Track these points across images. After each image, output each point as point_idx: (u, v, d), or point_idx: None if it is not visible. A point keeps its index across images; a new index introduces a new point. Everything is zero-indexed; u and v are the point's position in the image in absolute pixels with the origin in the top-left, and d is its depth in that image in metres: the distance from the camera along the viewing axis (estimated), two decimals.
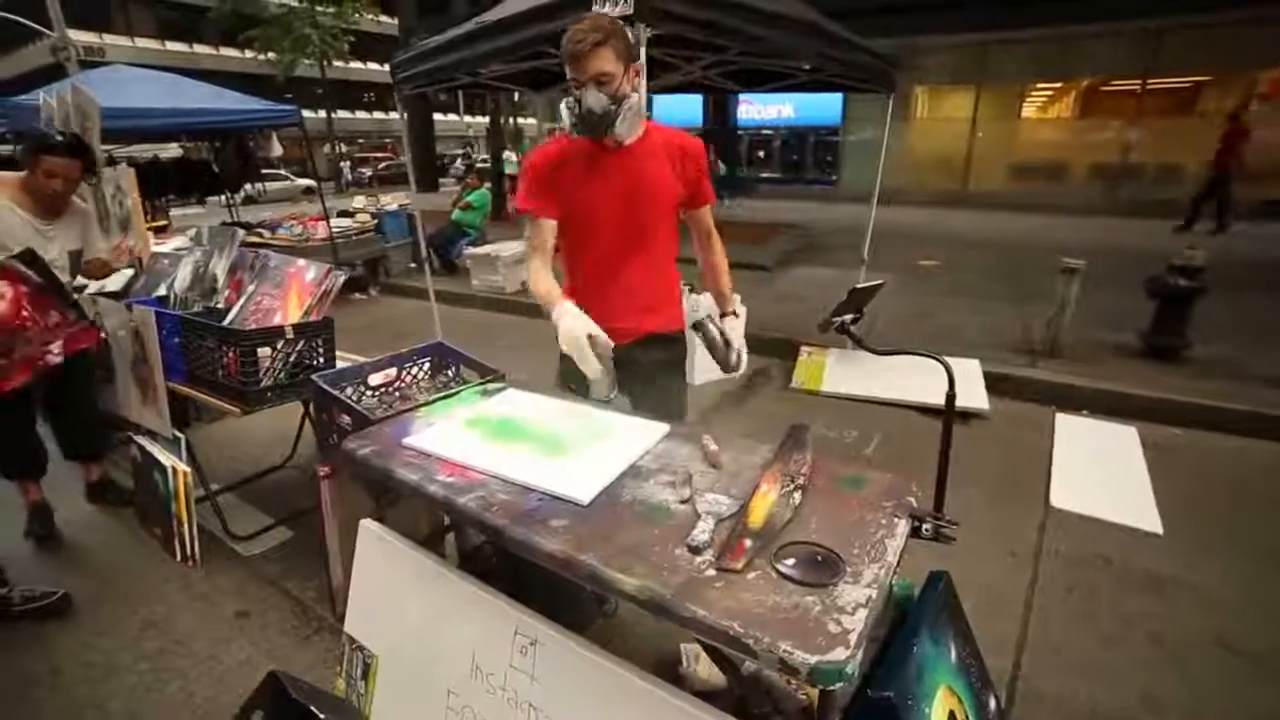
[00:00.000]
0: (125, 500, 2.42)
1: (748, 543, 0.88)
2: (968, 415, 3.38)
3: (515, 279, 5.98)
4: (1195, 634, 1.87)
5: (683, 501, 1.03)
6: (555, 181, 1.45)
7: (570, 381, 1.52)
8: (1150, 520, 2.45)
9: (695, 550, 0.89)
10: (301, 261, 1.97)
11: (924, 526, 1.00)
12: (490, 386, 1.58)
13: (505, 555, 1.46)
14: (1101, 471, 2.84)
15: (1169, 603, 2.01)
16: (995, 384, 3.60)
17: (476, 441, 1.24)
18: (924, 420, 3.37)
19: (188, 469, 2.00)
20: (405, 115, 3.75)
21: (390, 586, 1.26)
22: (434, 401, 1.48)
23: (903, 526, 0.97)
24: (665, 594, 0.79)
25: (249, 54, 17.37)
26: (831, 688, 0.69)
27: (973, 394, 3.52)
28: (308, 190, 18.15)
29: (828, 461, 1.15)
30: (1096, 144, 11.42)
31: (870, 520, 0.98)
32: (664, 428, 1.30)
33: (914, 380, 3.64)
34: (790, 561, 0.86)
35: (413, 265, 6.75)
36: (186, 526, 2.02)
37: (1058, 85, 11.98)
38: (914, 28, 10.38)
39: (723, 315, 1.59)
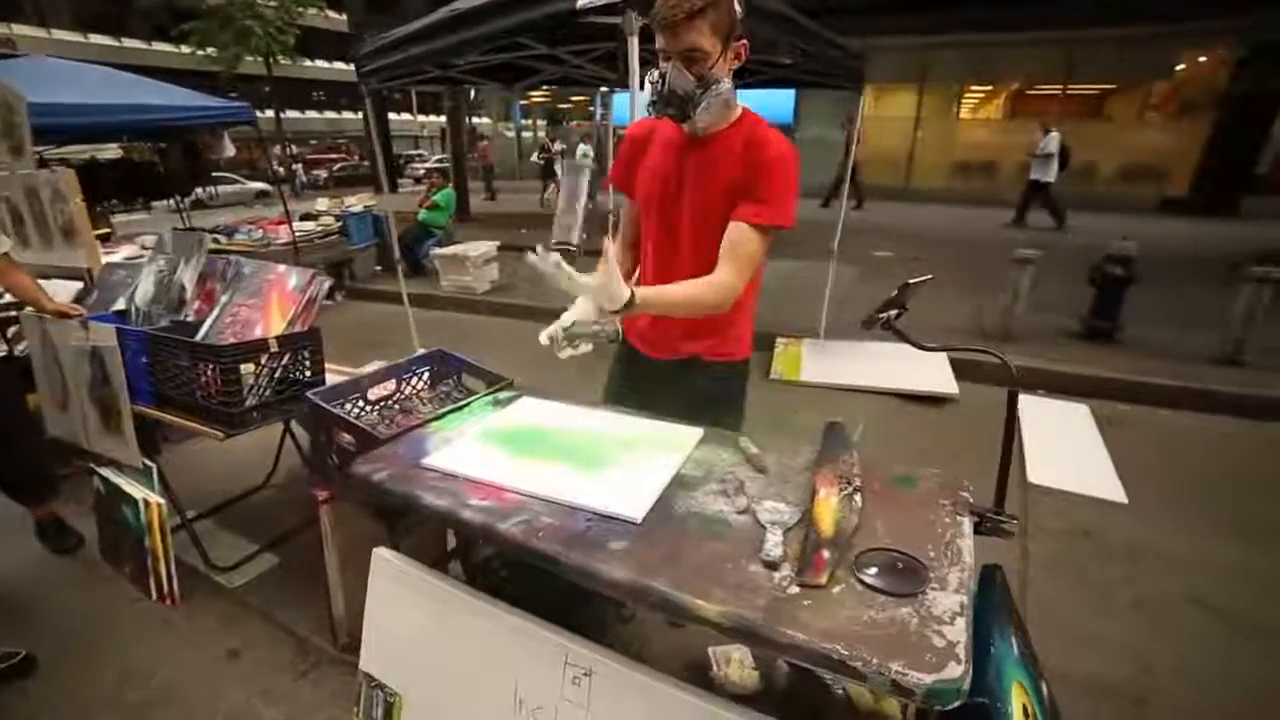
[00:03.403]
0: (74, 545, 2.18)
1: (825, 554, 0.85)
2: (940, 400, 3.49)
3: (485, 279, 5.81)
4: (1172, 596, 1.98)
5: (740, 512, 0.99)
6: (639, 157, 1.35)
7: (611, 399, 1.45)
8: (1116, 491, 2.59)
9: (771, 566, 0.85)
10: (281, 267, 1.80)
11: (984, 523, 0.99)
12: (501, 395, 1.50)
13: (520, 570, 1.40)
14: (1066, 448, 2.97)
15: (1145, 569, 2.11)
16: (959, 369, 3.70)
17: (504, 458, 1.16)
18: (902, 406, 3.44)
19: (161, 500, 1.82)
20: (370, 112, 3.55)
21: (412, 619, 1.17)
22: (444, 415, 1.38)
23: (968, 525, 0.95)
24: (755, 619, 0.75)
25: (186, 49, 16.10)
26: (949, 707, 0.66)
27: (944, 380, 3.62)
28: (261, 194, 17.23)
29: (873, 459, 1.13)
30: (1022, 143, 12.24)
31: (934, 521, 0.96)
32: (698, 432, 1.25)
33: (888, 367, 3.72)
34: (872, 571, 0.83)
35: (378, 268, 6.47)
36: (163, 562, 1.85)
37: (988, 88, 12.71)
38: (864, 29, 10.77)
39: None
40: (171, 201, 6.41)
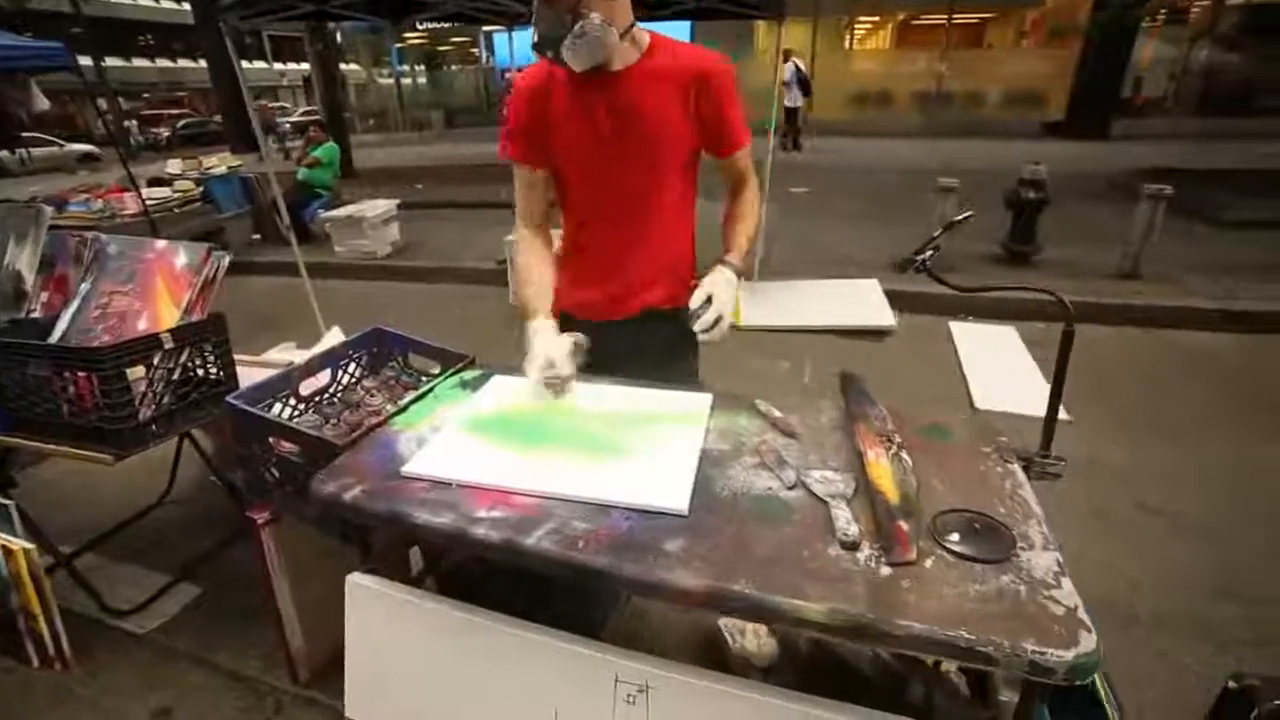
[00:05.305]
0: None
1: (903, 525, 0.77)
2: (879, 333, 3.60)
3: (385, 240, 5.23)
4: (1124, 505, 2.13)
5: (790, 487, 0.89)
6: (539, 116, 1.15)
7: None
8: (1060, 410, 2.78)
9: (851, 546, 0.76)
10: (161, 243, 1.40)
11: (1032, 467, 0.96)
12: (468, 375, 1.29)
13: (501, 575, 1.24)
14: (1002, 370, 3.17)
15: (1096, 481, 2.25)
16: (892, 300, 3.80)
17: (500, 454, 0.98)
18: (842, 342, 3.50)
19: (28, 545, 1.44)
20: (233, 56, 2.92)
21: (408, 652, 0.99)
22: (407, 407, 1.16)
23: (1021, 473, 0.92)
24: (863, 613, 0.65)
25: None
26: (1087, 681, 0.61)
27: (879, 313, 3.74)
28: (85, 157, 14.37)
29: (894, 409, 1.07)
30: (913, 74, 12.73)
31: (986, 471, 0.92)
32: (706, 398, 1.13)
33: (825, 305, 3.78)
34: (954, 537, 0.76)
35: (256, 237, 5.62)
36: (43, 619, 1.48)
37: (875, 19, 13.05)
38: None
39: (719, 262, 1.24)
40: None
